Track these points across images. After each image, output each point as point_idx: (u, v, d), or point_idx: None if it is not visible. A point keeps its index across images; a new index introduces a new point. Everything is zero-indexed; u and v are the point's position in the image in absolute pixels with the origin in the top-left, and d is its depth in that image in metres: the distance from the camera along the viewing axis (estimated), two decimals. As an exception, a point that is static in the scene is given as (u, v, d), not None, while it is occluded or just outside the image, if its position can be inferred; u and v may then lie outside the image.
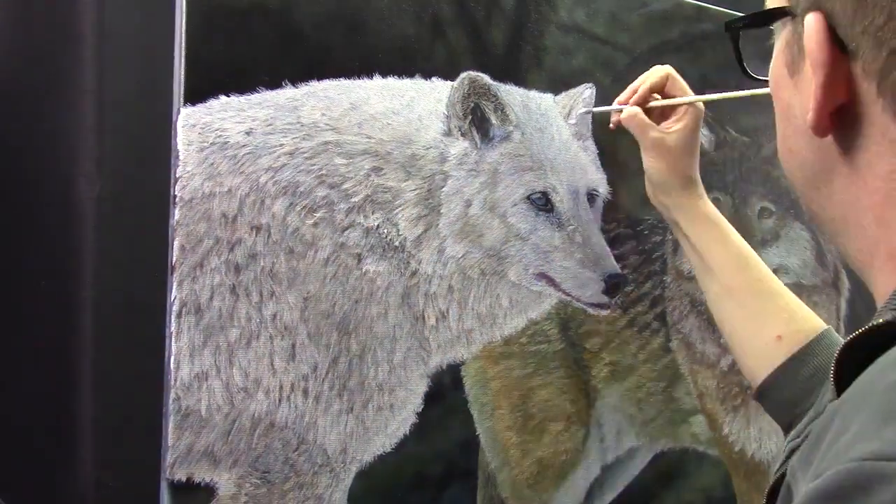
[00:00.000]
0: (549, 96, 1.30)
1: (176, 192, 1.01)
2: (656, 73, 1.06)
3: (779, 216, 1.56)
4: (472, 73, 1.19)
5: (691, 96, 1.04)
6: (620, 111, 1.06)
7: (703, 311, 1.46)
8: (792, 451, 0.69)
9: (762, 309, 0.97)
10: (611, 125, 1.10)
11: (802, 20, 0.54)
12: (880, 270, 0.60)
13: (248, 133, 1.07)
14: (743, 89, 1.58)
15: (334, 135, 1.12)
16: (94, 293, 0.99)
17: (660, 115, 1.05)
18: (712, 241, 1.01)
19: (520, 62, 1.30)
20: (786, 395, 0.92)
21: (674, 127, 1.02)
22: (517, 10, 1.31)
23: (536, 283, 1.22)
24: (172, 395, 0.99)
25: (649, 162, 1.03)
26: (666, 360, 1.41)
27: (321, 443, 1.08)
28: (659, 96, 1.06)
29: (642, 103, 1.05)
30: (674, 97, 1.04)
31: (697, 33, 1.54)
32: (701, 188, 1.03)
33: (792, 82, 0.58)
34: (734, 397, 1.48)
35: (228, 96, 1.05)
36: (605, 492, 1.35)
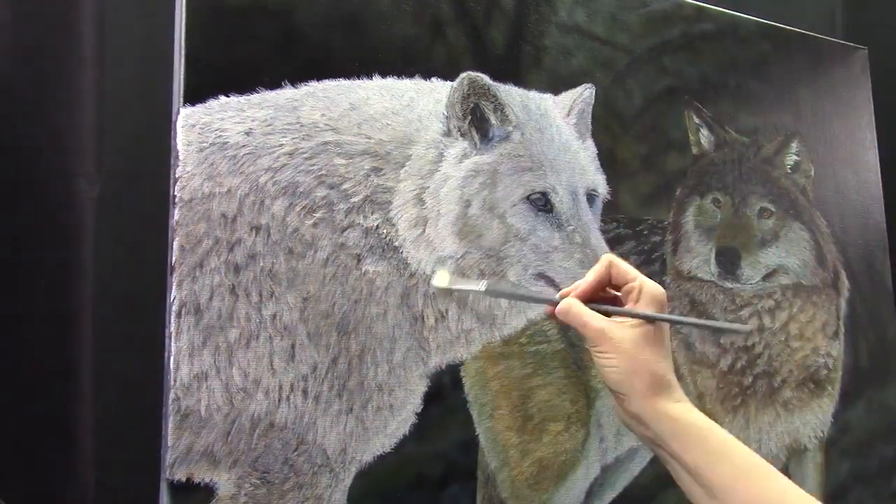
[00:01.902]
0: (548, 96, 1.30)
1: (175, 193, 1.01)
2: (597, 265, 0.86)
3: (778, 216, 1.56)
4: (472, 74, 1.19)
5: (643, 312, 0.81)
6: (554, 304, 0.85)
7: (702, 311, 1.46)
8: None
9: None
10: (545, 313, 0.89)
11: None
12: None
13: (247, 133, 1.07)
14: (742, 89, 1.59)
15: (334, 135, 1.12)
16: (94, 293, 0.99)
17: (612, 302, 0.86)
18: (709, 458, 0.77)
19: (519, 62, 1.30)
20: None
21: (622, 321, 0.81)
22: (517, 10, 1.31)
23: (536, 284, 1.22)
24: (172, 396, 0.99)
25: (599, 360, 0.81)
26: (665, 361, 1.41)
27: (321, 443, 1.08)
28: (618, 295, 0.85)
29: (583, 298, 0.84)
30: (621, 287, 0.84)
31: (697, 33, 1.54)
32: (679, 391, 0.80)
33: None
34: (733, 398, 1.48)
35: (228, 96, 1.06)
36: (604, 492, 1.35)
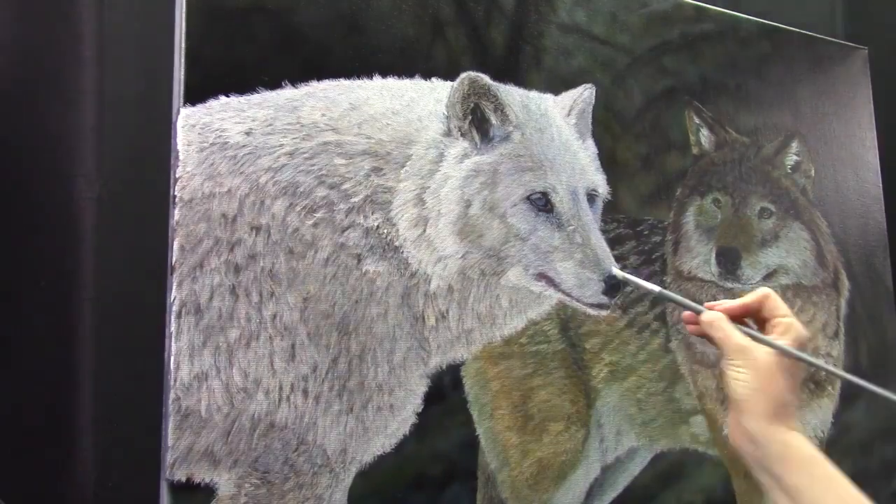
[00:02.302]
0: (548, 96, 1.30)
1: (176, 193, 1.01)
2: (753, 293, 0.87)
3: (779, 216, 1.56)
4: (472, 74, 1.19)
5: (783, 345, 0.83)
6: (699, 312, 0.88)
7: (702, 311, 1.46)
8: None
9: None
10: (687, 329, 0.92)
11: None
12: None
13: (247, 133, 1.07)
14: (742, 89, 1.59)
15: (334, 135, 1.12)
16: (93, 293, 0.99)
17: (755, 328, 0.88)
18: (818, 489, 0.78)
19: (519, 62, 1.30)
20: None
21: (761, 348, 0.83)
22: (517, 10, 1.31)
23: (536, 284, 1.22)
24: (172, 396, 0.99)
25: (732, 373, 0.83)
26: (666, 361, 1.41)
27: (321, 443, 1.08)
28: (751, 322, 0.88)
29: (730, 311, 0.87)
30: (770, 320, 0.86)
31: (697, 33, 1.54)
32: (796, 424, 0.82)
33: None
34: (734, 397, 1.48)
35: (228, 97, 1.06)
36: (604, 492, 1.35)
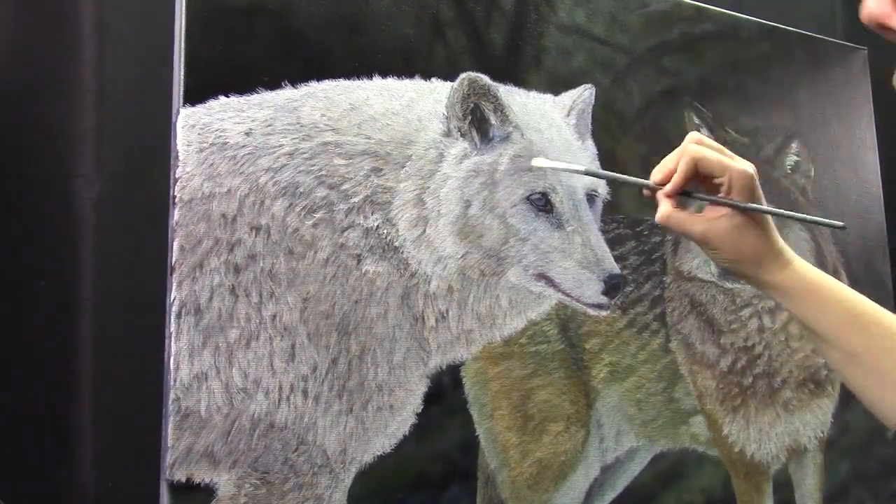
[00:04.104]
0: (548, 97, 1.30)
1: (175, 193, 1.01)
2: (686, 157, 0.87)
3: (778, 217, 1.55)
4: (472, 74, 1.19)
5: (734, 200, 0.85)
6: (650, 188, 0.89)
7: (702, 311, 1.46)
8: None
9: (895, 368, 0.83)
10: (657, 218, 0.91)
11: None
12: None
13: (247, 134, 1.07)
14: (742, 90, 1.59)
15: (334, 135, 1.12)
16: (93, 293, 0.99)
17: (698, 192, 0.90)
18: (817, 311, 0.86)
19: (519, 63, 1.30)
20: None
21: (718, 215, 0.86)
22: (517, 10, 1.31)
23: (536, 284, 1.22)
24: (172, 396, 0.99)
25: (709, 254, 0.89)
26: (665, 361, 1.41)
27: (321, 443, 1.08)
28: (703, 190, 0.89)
29: (675, 192, 0.87)
30: (712, 178, 0.86)
31: (697, 34, 1.54)
32: (787, 254, 0.87)
33: None
34: (734, 398, 1.48)
35: (228, 97, 1.06)
36: (604, 492, 1.35)
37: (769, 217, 0.87)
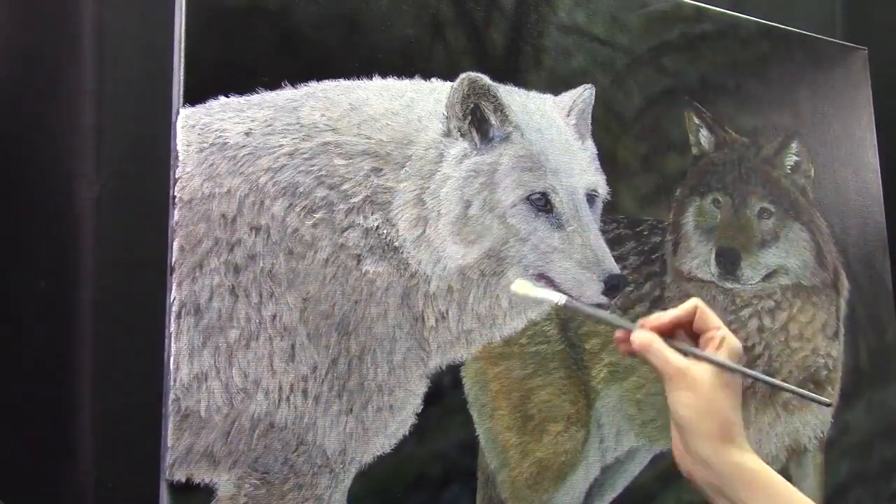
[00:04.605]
0: (548, 97, 1.30)
1: (175, 193, 1.01)
2: (684, 306, 0.85)
3: (778, 217, 1.56)
4: (472, 74, 1.19)
5: (723, 360, 0.81)
6: (629, 331, 0.85)
7: (702, 311, 1.46)
8: None
9: None
10: (619, 351, 0.88)
11: None
12: None
13: (247, 134, 1.07)
14: (742, 90, 1.59)
15: (334, 135, 1.12)
16: (93, 293, 0.99)
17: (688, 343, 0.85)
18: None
19: (519, 63, 1.30)
20: None
21: (698, 364, 0.81)
22: (517, 10, 1.31)
23: (536, 284, 1.22)
24: (172, 396, 0.99)
25: (674, 396, 0.81)
26: (665, 361, 1.41)
27: (321, 443, 1.08)
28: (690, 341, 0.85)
29: (660, 326, 0.84)
30: (703, 333, 0.84)
31: (697, 34, 1.54)
32: (746, 443, 0.80)
33: None
34: (734, 398, 1.48)
35: (228, 97, 1.06)
36: (604, 492, 1.35)
37: (740, 400, 0.80)
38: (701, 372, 0.80)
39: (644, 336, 0.83)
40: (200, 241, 1.02)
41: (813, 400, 0.85)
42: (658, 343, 0.82)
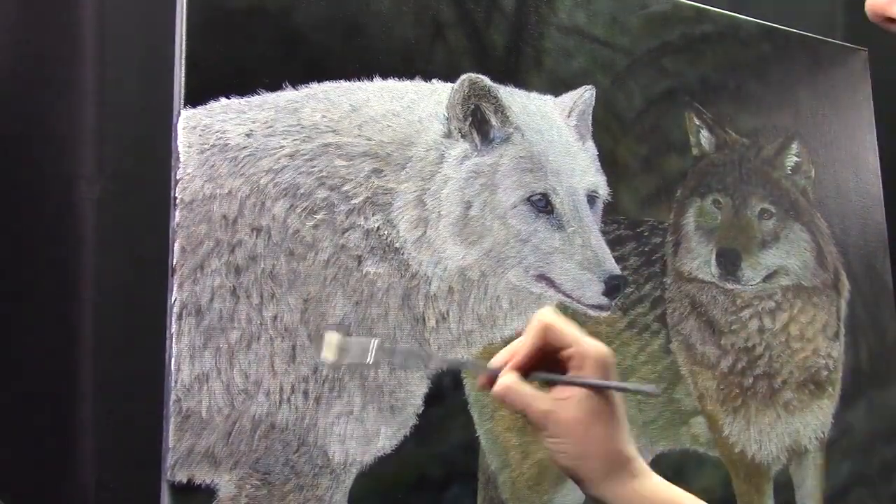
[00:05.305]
0: (548, 98, 1.30)
1: (176, 194, 1.01)
2: (532, 328, 0.74)
3: (779, 217, 1.56)
4: (473, 75, 1.19)
5: (583, 378, 0.71)
6: (491, 374, 0.74)
7: (703, 312, 1.46)
8: None
9: None
10: (477, 386, 0.78)
11: None
12: None
13: (248, 135, 1.07)
14: (742, 91, 1.59)
15: (335, 137, 1.12)
16: (94, 294, 0.99)
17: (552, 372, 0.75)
18: None
19: (520, 64, 1.30)
20: None
21: (566, 396, 0.71)
22: (517, 12, 1.31)
23: (536, 285, 1.22)
24: (173, 397, 0.99)
25: (549, 445, 0.71)
26: (666, 362, 1.41)
27: (322, 444, 1.08)
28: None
29: (522, 368, 0.73)
30: (563, 351, 0.73)
31: (697, 35, 1.54)
32: (638, 464, 0.71)
33: None
34: (734, 399, 1.48)
35: (229, 98, 1.06)
36: (605, 493, 1.35)
37: (623, 419, 0.71)
38: (567, 410, 0.70)
39: (501, 384, 0.73)
40: (201, 242, 1.02)
41: (639, 392, 0.77)
42: (515, 388, 0.72)
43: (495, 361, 0.74)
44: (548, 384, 0.73)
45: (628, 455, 0.71)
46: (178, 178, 1.02)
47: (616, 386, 0.71)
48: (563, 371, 0.72)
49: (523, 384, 0.72)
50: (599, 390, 0.70)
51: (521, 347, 0.73)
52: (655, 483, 0.71)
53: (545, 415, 0.70)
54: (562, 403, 0.70)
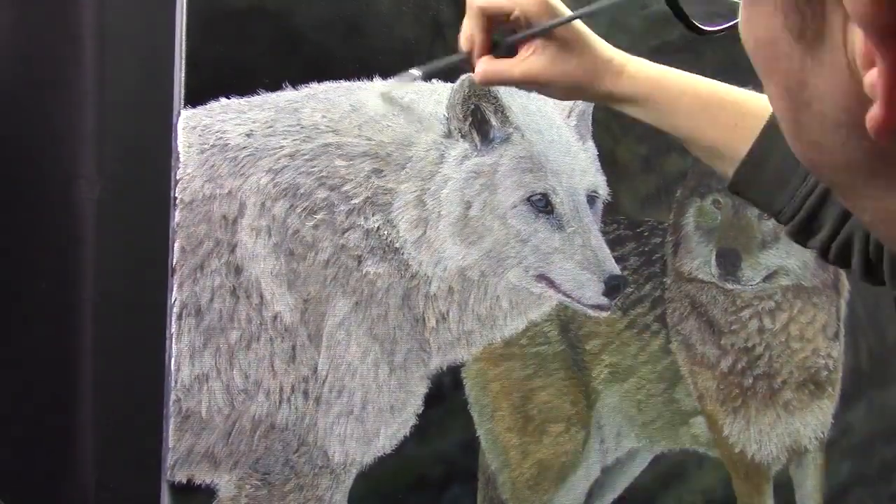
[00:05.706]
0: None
1: (176, 194, 1.01)
2: (472, 14, 0.83)
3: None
4: (473, 75, 1.19)
5: (539, 26, 0.80)
6: (465, 60, 0.85)
7: (703, 312, 1.46)
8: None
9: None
10: (475, 79, 0.86)
11: None
12: None
13: (248, 135, 1.07)
14: (742, 86, 1.59)
15: (335, 137, 1.12)
16: (94, 295, 0.99)
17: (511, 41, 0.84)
18: (667, 112, 0.82)
19: (520, 64, 1.30)
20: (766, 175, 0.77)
21: (531, 51, 0.80)
22: (517, 11, 1.31)
23: (536, 285, 1.22)
24: (173, 397, 0.99)
25: (543, 92, 0.86)
26: (666, 362, 1.42)
27: (321, 444, 1.08)
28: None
29: (483, 51, 0.83)
30: (508, 19, 0.81)
31: (697, 35, 1.53)
32: (619, 59, 0.82)
33: (801, 49, 0.38)
34: (734, 399, 1.48)
35: (229, 98, 1.06)
36: (605, 493, 1.35)
37: (589, 34, 0.81)
38: (536, 63, 0.80)
39: (479, 72, 0.83)
40: (201, 242, 1.02)
41: (590, 13, 0.86)
42: (491, 67, 0.82)
43: (462, 48, 0.84)
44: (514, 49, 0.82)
45: (608, 57, 0.81)
46: (177, 178, 1.01)
47: (567, 18, 0.80)
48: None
49: (496, 61, 0.82)
50: (563, 34, 0.79)
51: (475, 34, 0.82)
52: (641, 66, 0.82)
53: (524, 74, 0.81)
54: (529, 60, 0.80)
